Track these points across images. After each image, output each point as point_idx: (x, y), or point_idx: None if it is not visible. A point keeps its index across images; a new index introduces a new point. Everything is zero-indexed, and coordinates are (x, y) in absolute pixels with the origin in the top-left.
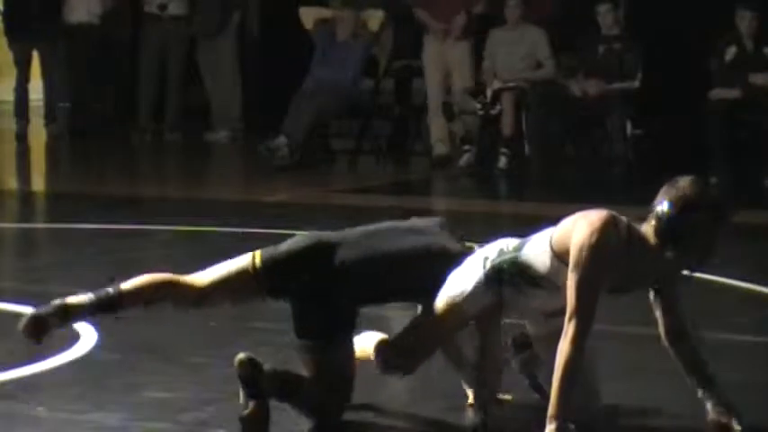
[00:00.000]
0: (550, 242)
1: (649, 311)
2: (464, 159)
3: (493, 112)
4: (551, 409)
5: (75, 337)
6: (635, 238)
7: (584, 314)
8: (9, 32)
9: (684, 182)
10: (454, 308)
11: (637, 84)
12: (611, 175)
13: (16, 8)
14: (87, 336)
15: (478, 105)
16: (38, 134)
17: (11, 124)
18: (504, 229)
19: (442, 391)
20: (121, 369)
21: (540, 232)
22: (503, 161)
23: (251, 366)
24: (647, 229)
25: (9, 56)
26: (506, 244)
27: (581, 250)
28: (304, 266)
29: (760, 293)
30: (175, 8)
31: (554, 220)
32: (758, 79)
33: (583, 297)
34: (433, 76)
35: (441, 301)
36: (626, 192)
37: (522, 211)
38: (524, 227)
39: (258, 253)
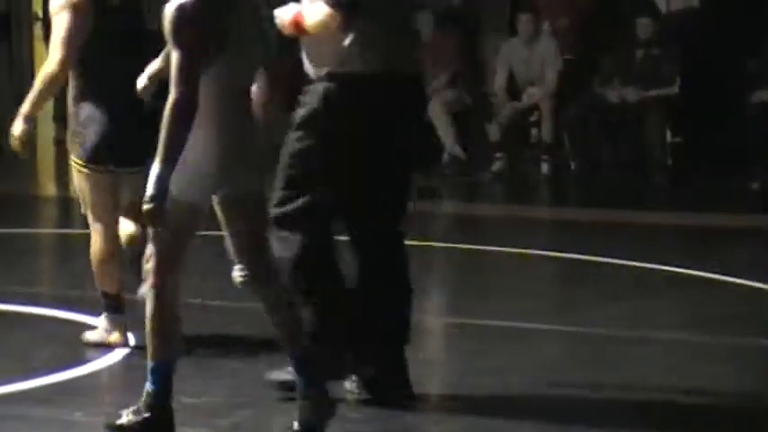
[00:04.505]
0: None
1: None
2: (496, 166)
3: (533, 118)
4: None
5: None
6: None
7: None
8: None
9: None
10: None
11: (675, 89)
12: (651, 181)
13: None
14: None
15: (513, 110)
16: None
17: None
18: (540, 234)
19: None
20: None
21: None
22: (545, 167)
23: None
24: None
25: None
26: None
27: None
28: None
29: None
30: None
31: (595, 226)
32: None
33: None
34: None
35: None
36: (666, 198)
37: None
38: (567, 232)
39: None
